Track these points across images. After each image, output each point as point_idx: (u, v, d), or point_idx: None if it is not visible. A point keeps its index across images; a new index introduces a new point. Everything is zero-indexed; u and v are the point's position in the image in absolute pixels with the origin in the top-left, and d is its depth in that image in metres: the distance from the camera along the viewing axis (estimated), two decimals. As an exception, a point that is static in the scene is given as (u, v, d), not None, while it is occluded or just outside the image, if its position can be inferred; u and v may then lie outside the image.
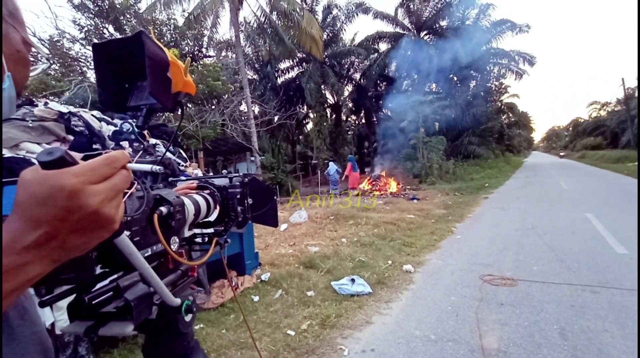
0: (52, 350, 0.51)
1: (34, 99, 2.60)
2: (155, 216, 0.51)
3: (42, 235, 0.32)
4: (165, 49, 0.56)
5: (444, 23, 20.47)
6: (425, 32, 20.45)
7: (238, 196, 0.76)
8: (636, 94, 28.19)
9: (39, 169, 0.33)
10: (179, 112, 0.64)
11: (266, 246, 5.33)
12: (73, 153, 0.37)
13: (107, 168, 0.36)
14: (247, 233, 3.78)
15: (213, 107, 12.50)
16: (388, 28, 21.19)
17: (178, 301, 0.56)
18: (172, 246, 0.56)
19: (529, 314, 2.92)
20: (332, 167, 13.68)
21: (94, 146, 2.61)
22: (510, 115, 32.01)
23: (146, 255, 0.50)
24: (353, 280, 3.61)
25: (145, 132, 0.62)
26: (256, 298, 3.37)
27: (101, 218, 0.35)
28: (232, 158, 17.66)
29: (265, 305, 3.24)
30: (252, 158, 14.24)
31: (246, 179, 0.80)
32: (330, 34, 20.11)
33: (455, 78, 20.37)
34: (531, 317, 2.86)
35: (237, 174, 0.79)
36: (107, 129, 2.80)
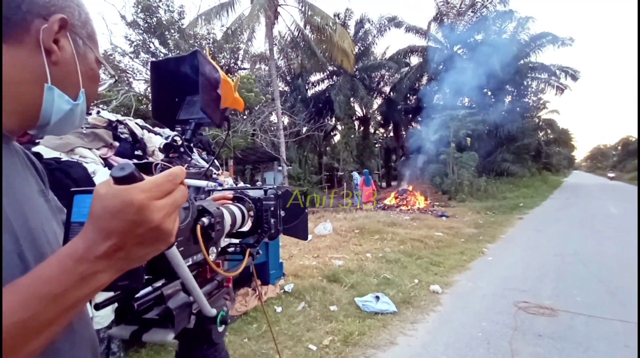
0: (99, 348, 0.54)
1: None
2: (198, 227, 0.53)
3: (112, 246, 0.35)
4: (218, 67, 0.59)
5: (479, 37, 20.01)
6: (458, 47, 20.07)
7: (272, 209, 0.77)
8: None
9: (111, 183, 0.35)
10: (225, 126, 0.66)
11: (290, 256, 5.34)
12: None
13: (169, 184, 0.38)
14: (273, 243, 3.80)
15: (245, 117, 12.96)
16: (420, 42, 21.09)
17: (214, 311, 0.57)
18: (210, 256, 0.57)
19: (573, 350, 2.66)
20: (357, 177, 13.66)
21: (136, 152, 2.78)
22: (549, 132, 30.31)
23: (187, 264, 0.52)
24: (377, 298, 3.51)
25: (192, 145, 0.65)
26: (279, 309, 3.36)
27: (162, 232, 0.37)
28: (260, 167, 18.08)
29: (287, 317, 3.22)
30: (280, 168, 14.50)
31: (279, 192, 0.81)
32: (362, 48, 20.30)
33: (489, 93, 19.70)
34: (576, 355, 2.61)
35: (271, 187, 0.81)
36: (148, 136, 2.99)
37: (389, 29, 20.16)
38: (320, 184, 18.00)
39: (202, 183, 0.56)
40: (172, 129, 0.65)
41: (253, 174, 18.15)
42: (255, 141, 13.07)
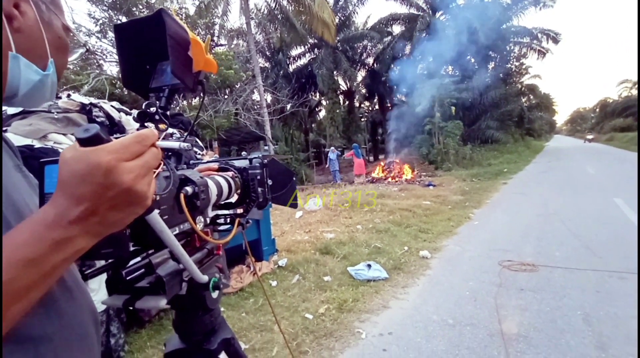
0: (99, 317, 0.54)
1: (57, 92, 2.68)
2: (182, 195, 0.52)
3: (84, 211, 0.34)
4: (186, 27, 0.56)
5: (461, 1, 19.54)
6: (441, 12, 19.62)
7: (258, 177, 0.76)
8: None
9: (77, 146, 0.34)
10: (200, 92, 0.64)
11: (282, 233, 5.41)
12: None
13: (138, 145, 0.37)
14: (264, 220, 3.83)
15: (226, 96, 12.56)
16: (402, 9, 20.48)
17: (206, 278, 0.58)
18: (198, 226, 0.57)
19: (550, 300, 2.86)
20: (332, 154, 13.71)
21: (114, 136, 2.68)
22: (531, 97, 30.69)
23: (174, 233, 0.51)
24: (369, 266, 3.63)
25: (168, 113, 0.62)
26: (274, 283, 3.45)
27: (135, 194, 0.36)
28: (246, 147, 17.80)
29: (283, 290, 3.31)
30: (266, 147, 14.31)
31: (265, 161, 0.80)
32: (342, 18, 19.61)
33: (472, 60, 19.57)
34: (553, 303, 2.81)
35: (256, 156, 0.80)
36: (126, 119, 2.87)
37: (370, -4, 19.45)
38: (308, 162, 17.94)
39: (175, 144, 0.55)
40: (146, 99, 0.62)
41: (239, 154, 17.88)
42: (238, 121, 12.77)
